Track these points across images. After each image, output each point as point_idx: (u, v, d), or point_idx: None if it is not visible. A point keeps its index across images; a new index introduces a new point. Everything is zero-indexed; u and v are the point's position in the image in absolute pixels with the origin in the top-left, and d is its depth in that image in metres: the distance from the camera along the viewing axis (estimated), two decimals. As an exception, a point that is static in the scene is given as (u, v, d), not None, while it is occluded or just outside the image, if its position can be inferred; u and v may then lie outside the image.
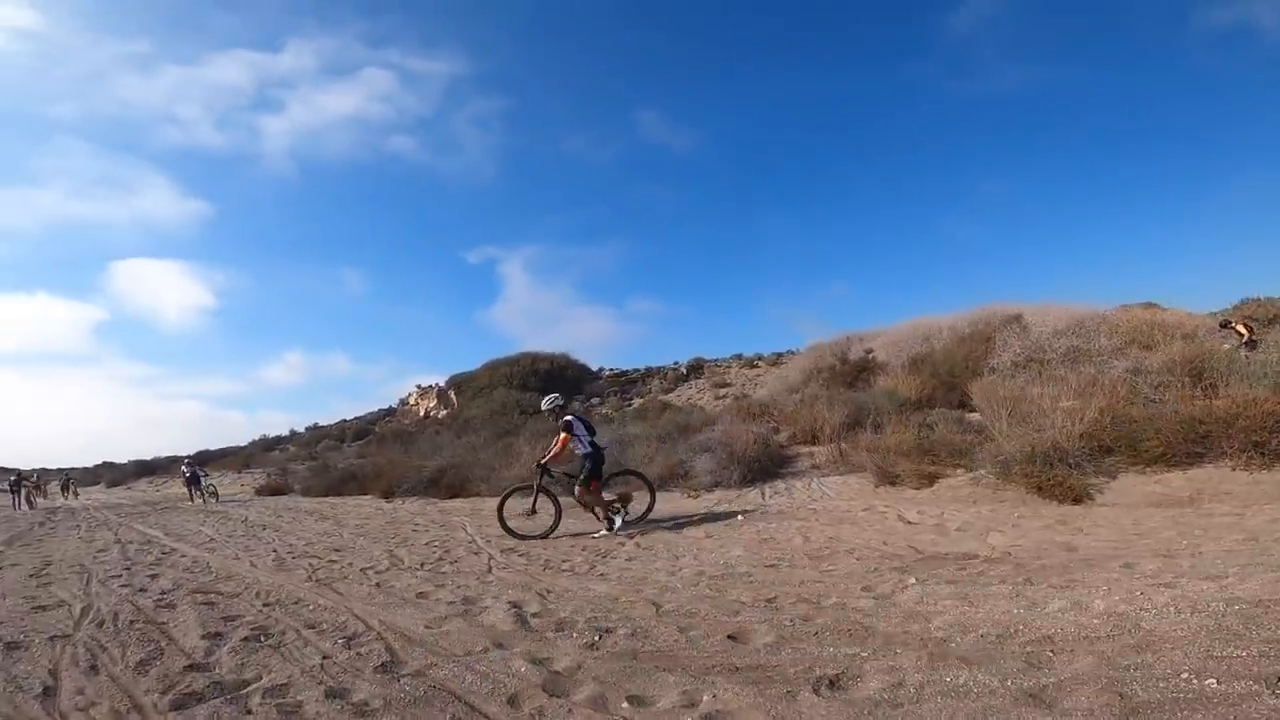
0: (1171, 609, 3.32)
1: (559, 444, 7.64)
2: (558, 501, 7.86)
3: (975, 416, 9.71)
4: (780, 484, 9.81)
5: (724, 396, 24.89)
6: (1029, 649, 3.03)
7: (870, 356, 16.74)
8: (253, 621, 4.60)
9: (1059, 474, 6.94)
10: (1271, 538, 4.60)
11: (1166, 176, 72.44)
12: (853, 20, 78.46)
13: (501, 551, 7.04)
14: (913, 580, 4.58)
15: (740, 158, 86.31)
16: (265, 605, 5.13)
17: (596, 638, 3.78)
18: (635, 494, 8.25)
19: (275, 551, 8.06)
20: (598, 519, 7.83)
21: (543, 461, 7.93)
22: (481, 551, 7.14)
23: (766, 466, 10.48)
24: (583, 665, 3.33)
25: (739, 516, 8.11)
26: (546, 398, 8.35)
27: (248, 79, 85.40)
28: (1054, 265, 75.35)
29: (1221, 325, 12.90)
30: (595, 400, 30.40)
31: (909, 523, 6.77)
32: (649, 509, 8.18)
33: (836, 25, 79.02)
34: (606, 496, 7.94)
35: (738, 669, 3.14)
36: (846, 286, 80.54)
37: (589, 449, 7.72)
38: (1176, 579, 3.91)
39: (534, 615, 4.42)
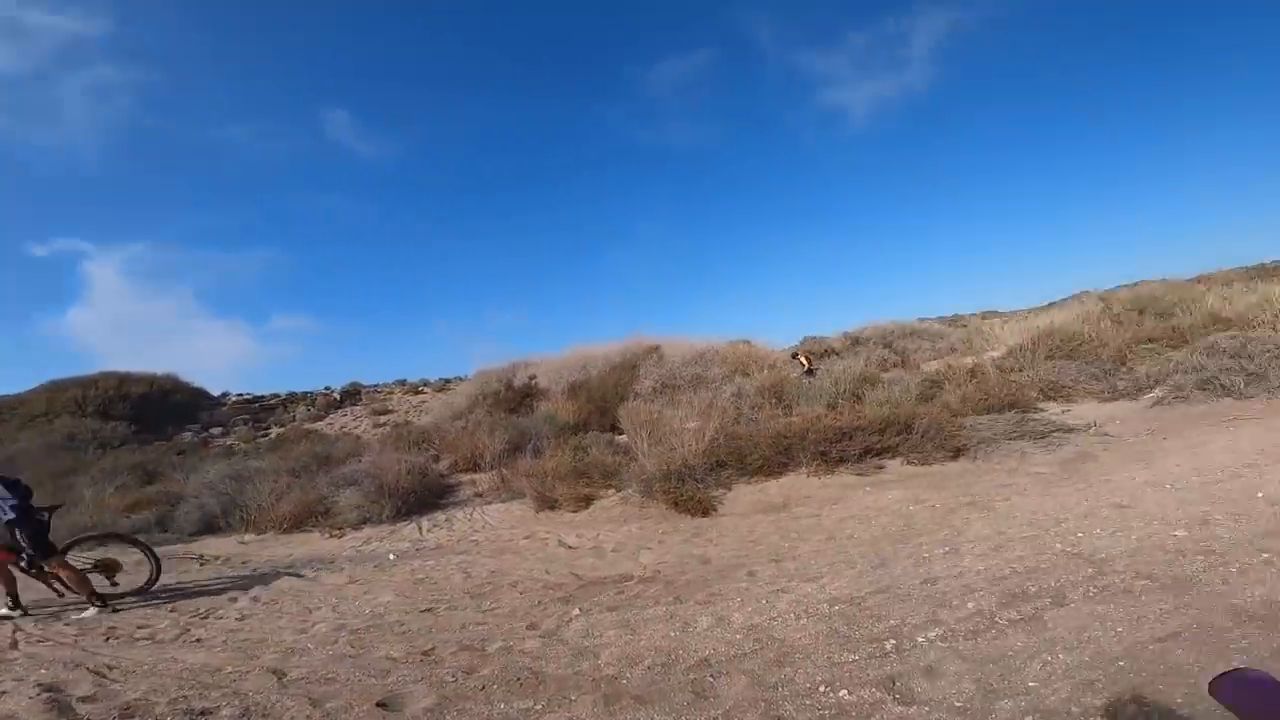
0: (791, 615, 3.86)
1: None
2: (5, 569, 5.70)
3: (624, 438, 10.55)
4: (440, 515, 9.26)
5: (384, 424, 23.04)
6: (692, 676, 3.18)
7: (534, 382, 17.20)
8: None
9: (689, 489, 7.77)
10: (844, 535, 5.76)
11: (777, 232, 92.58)
12: (562, 60, 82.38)
13: (38, 621, 5.19)
14: (577, 611, 4.60)
15: (433, 174, 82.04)
16: None
17: (186, 724, 2.90)
18: (125, 561, 6.42)
19: None
20: (68, 592, 5.77)
21: None
22: (3, 622, 5.17)
23: (425, 498, 9.81)
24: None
25: (391, 556, 7.33)
26: None
27: None
28: (694, 300, 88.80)
29: (792, 356, 16.44)
30: (218, 430, 25.26)
31: (569, 547, 6.90)
32: (151, 580, 6.30)
33: (547, 61, 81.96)
34: (75, 565, 5.93)
35: (392, 751, 2.67)
36: (518, 312, 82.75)
37: (12, 514, 5.65)
38: (788, 583, 4.60)
39: (84, 699, 3.29)
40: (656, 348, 16.91)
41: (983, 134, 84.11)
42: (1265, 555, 3.64)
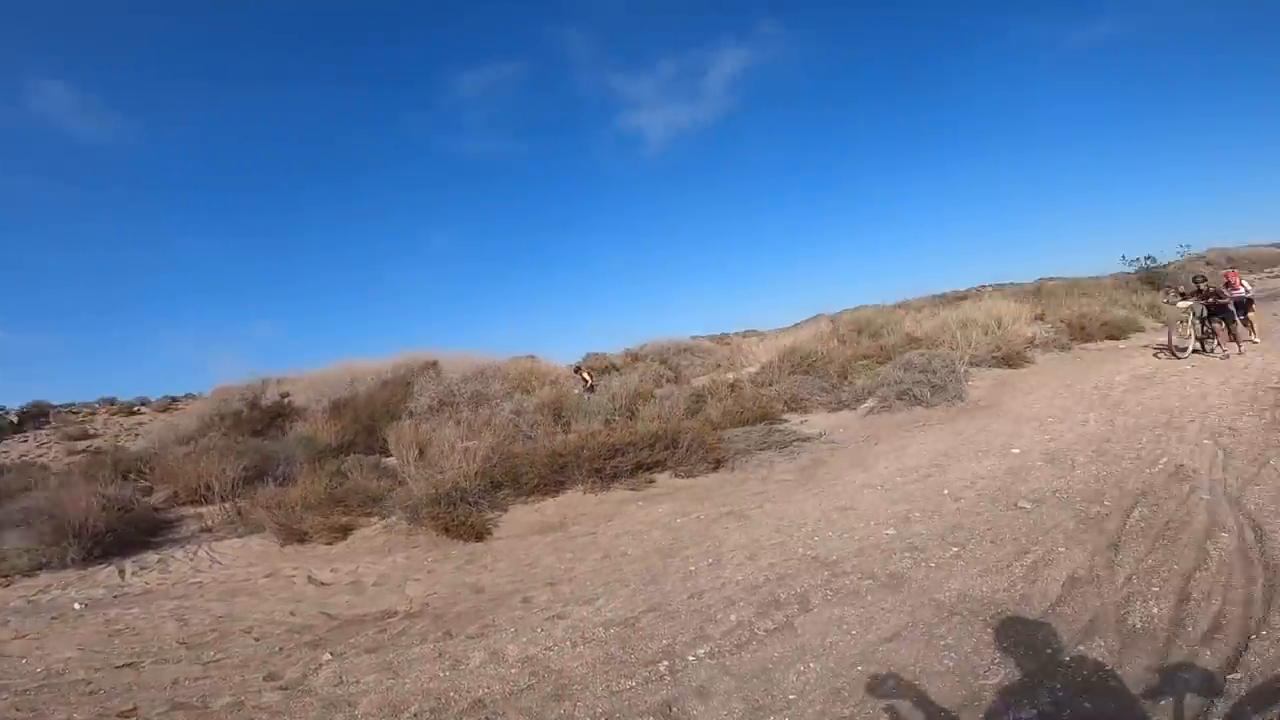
0: (568, 643, 3.80)
1: None
2: None
3: (393, 461, 9.76)
4: (152, 556, 7.73)
5: (84, 450, 18.78)
6: (465, 725, 2.96)
7: (287, 401, 15.34)
8: None
9: (462, 513, 7.35)
10: (618, 552, 5.86)
11: (572, 247, 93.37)
12: (359, 55, 74.30)
13: None
14: (328, 655, 4.12)
15: (184, 164, 68.32)
16: None
17: None
18: None
19: None
20: None
21: None
22: None
23: (130, 536, 8.10)
24: None
25: (77, 605, 6.04)
26: None
27: None
28: (485, 314, 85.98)
29: (575, 371, 16.65)
30: None
31: (322, 584, 6.17)
32: None
33: (338, 54, 73.33)
34: None
35: None
36: (277, 327, 72.72)
37: None
38: (565, 607, 4.54)
39: None
40: (434, 363, 16.17)
41: (757, 164, 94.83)
42: (954, 549, 4.42)
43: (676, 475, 8.24)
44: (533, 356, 18.45)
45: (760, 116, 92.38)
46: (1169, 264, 24.45)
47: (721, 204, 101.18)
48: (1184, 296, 12.05)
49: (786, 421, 10.49)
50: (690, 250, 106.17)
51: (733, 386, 12.24)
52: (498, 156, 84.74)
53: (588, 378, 15.40)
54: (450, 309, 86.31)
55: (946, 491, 5.90)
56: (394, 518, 7.71)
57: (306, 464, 9.77)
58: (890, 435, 8.95)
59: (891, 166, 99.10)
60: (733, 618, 3.83)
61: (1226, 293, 11.52)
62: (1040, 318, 15.60)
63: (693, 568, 5.03)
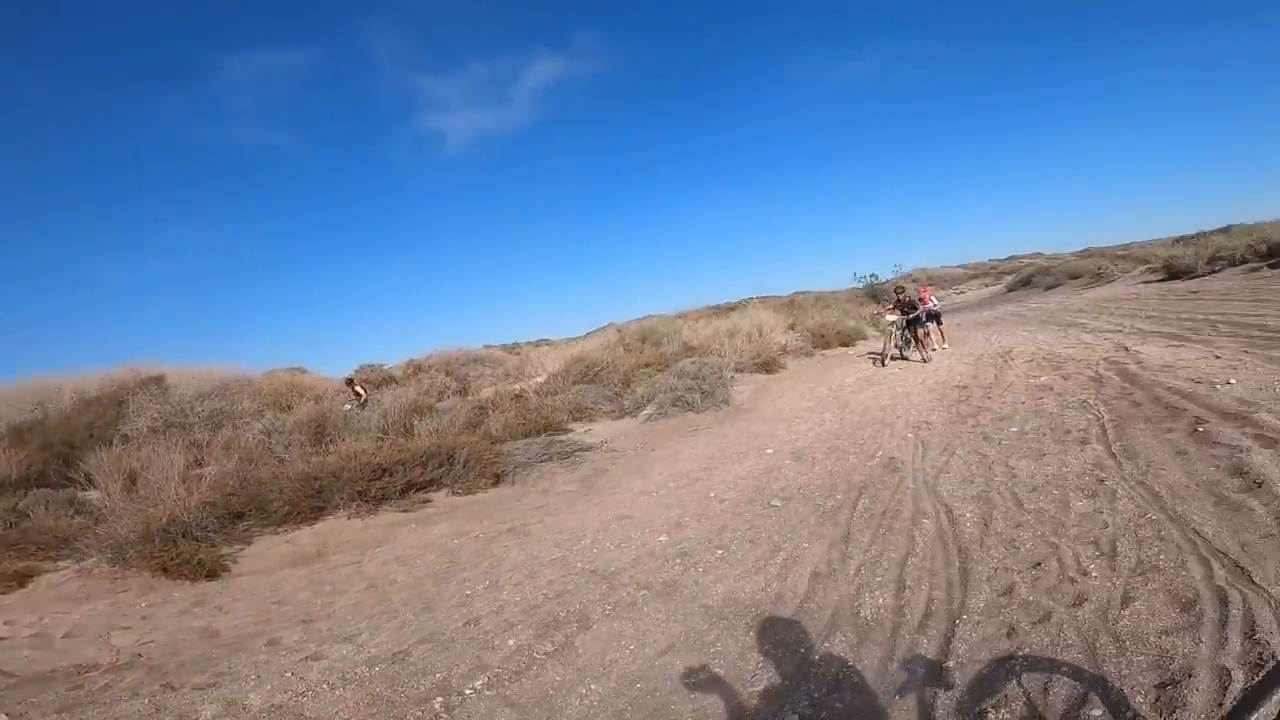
0: (325, 686, 3.38)
1: None
2: None
3: (95, 495, 8.01)
4: None
5: None
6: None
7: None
8: None
9: (186, 549, 6.26)
10: (386, 581, 5.37)
11: (355, 252, 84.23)
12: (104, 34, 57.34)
13: None
14: (3, 717, 3.29)
15: None
16: None
17: None
18: None
19: None
20: None
21: None
22: None
23: None
24: None
25: None
26: None
27: None
28: (245, 324, 73.97)
29: (347, 384, 15.08)
30: None
31: (-10, 643, 4.87)
32: None
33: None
34: None
35: None
36: None
37: None
38: (320, 647, 4.04)
39: None
40: (160, 378, 13.57)
41: (558, 173, 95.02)
42: (720, 551, 4.71)
43: (454, 493, 7.83)
44: (301, 369, 16.51)
45: (564, 126, 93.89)
46: (886, 281, 29.31)
47: (521, 210, 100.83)
48: (891, 310, 14.34)
49: (571, 431, 10.54)
50: (486, 257, 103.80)
51: (518, 397, 12.03)
52: (274, 150, 74.71)
53: (361, 391, 14.10)
54: (204, 318, 73.74)
55: (713, 494, 6.30)
56: (92, 560, 6.32)
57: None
58: (666, 441, 9.39)
59: (680, 180, 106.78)
60: (511, 643, 3.68)
61: (920, 305, 13.89)
62: (792, 327, 17.57)
63: (469, 591, 4.78)
